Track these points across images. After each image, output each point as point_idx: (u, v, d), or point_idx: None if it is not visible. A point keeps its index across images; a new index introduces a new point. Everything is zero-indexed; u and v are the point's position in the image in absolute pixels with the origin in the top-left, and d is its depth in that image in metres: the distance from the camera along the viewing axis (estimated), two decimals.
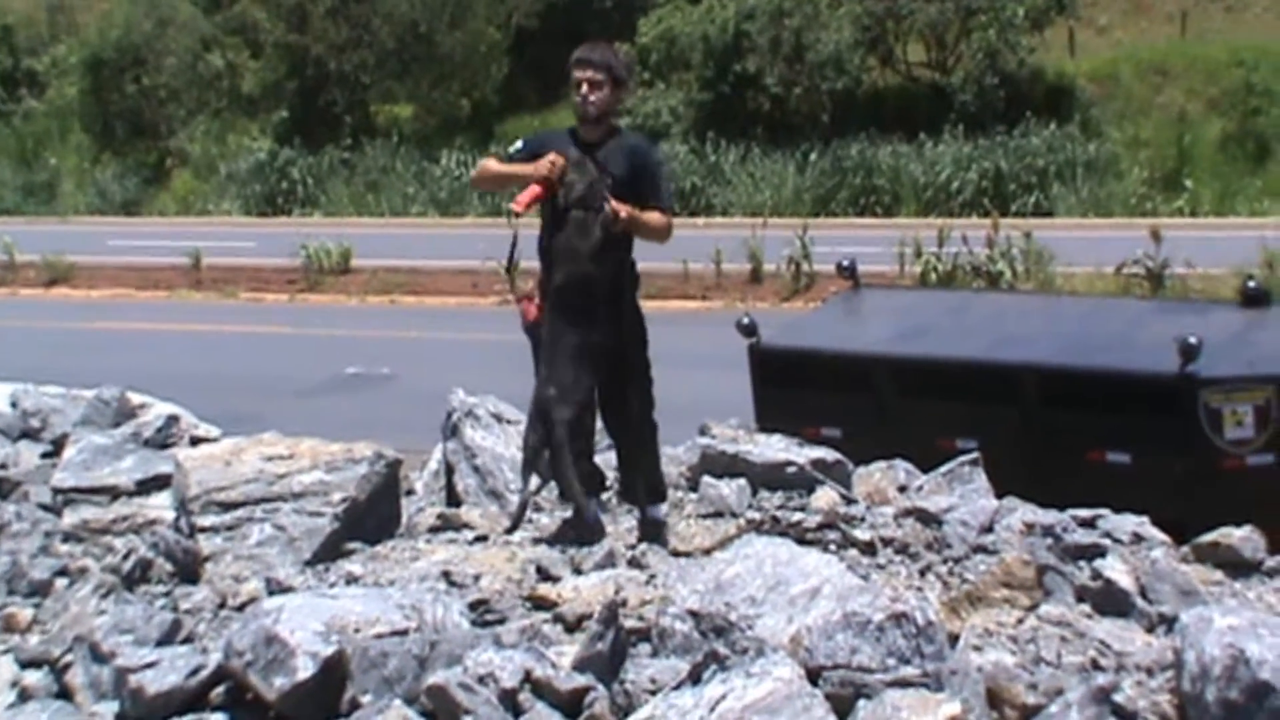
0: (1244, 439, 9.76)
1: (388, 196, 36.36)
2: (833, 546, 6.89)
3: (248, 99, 43.24)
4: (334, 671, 5.29)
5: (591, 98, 7.28)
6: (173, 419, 8.68)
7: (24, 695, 5.70)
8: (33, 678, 5.77)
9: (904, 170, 32.05)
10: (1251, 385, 9.83)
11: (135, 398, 9.07)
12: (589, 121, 7.34)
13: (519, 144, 7.59)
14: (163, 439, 8.42)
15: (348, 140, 38.72)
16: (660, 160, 7.90)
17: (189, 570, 6.79)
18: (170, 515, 7.06)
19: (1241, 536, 7.00)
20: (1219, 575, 6.85)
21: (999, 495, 7.89)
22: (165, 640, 5.85)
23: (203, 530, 7.20)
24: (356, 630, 5.53)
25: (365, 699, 5.26)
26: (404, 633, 5.62)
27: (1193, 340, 9.69)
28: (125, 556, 6.63)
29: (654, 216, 7.27)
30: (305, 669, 5.25)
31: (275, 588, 6.43)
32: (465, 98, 40.25)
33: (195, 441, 8.51)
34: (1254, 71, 32.40)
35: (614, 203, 7.04)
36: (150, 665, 5.48)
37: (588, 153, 7.26)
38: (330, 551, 7.06)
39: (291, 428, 8.47)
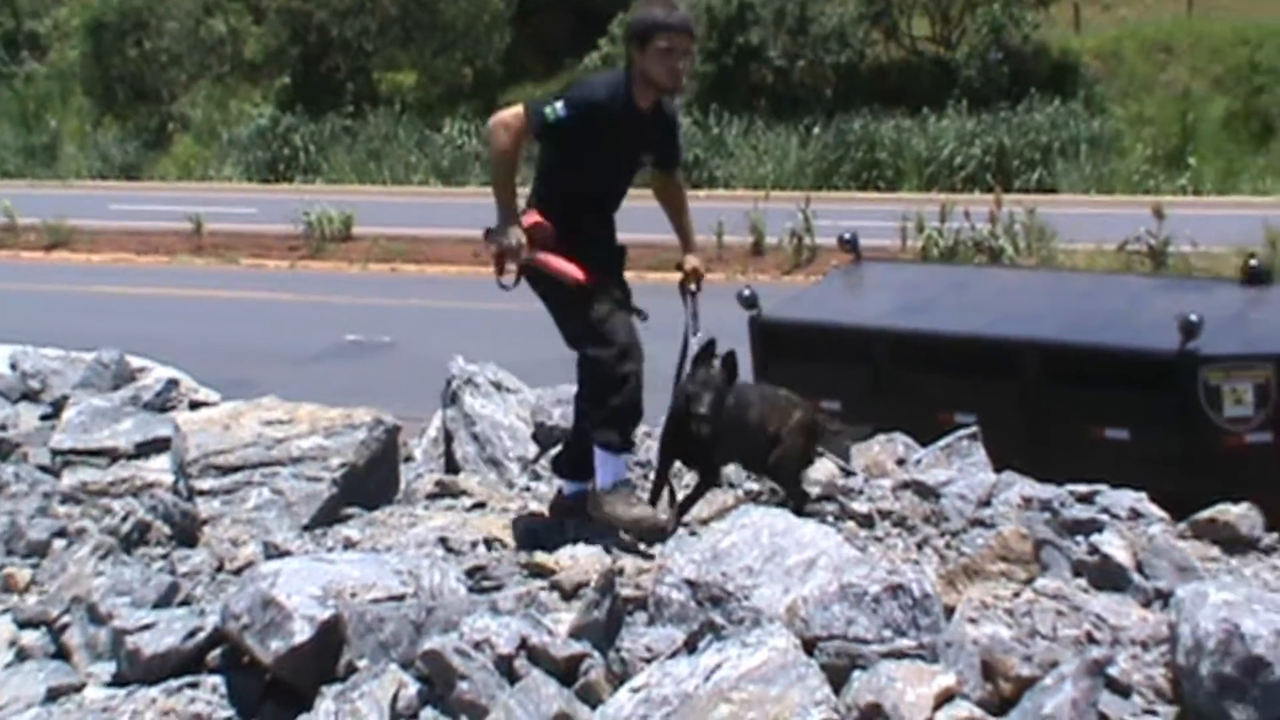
0: (1243, 417, 9.77)
1: (390, 164, 36.35)
2: (830, 518, 6.89)
3: (250, 65, 43.18)
4: (330, 635, 5.30)
5: (686, 68, 6.59)
6: (172, 383, 8.67)
7: (22, 655, 5.71)
8: (30, 638, 5.79)
9: (907, 145, 32.02)
10: (1251, 363, 9.84)
11: (135, 361, 9.06)
12: (665, 92, 6.65)
13: (560, 108, 6.41)
14: (162, 403, 8.42)
15: (350, 107, 38.73)
16: None
17: (187, 533, 6.79)
18: (169, 478, 7.06)
19: (1239, 513, 6.99)
20: (1216, 552, 6.83)
21: (998, 470, 7.89)
22: (162, 602, 5.86)
23: (201, 493, 7.22)
24: (353, 595, 5.54)
25: (361, 663, 5.28)
26: (401, 598, 5.64)
27: (1194, 318, 9.69)
28: (123, 519, 6.63)
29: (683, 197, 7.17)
30: (302, 632, 5.26)
31: (273, 552, 6.44)
32: (468, 66, 40.24)
33: (195, 406, 8.51)
34: (1259, 50, 32.39)
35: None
36: (147, 627, 5.50)
37: (641, 122, 6.62)
38: (328, 516, 7.08)
39: (291, 394, 8.48)
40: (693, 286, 7.12)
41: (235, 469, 7.28)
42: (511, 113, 6.49)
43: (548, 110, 6.41)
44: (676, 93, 6.71)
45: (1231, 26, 33.91)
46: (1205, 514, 7.07)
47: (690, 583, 5.64)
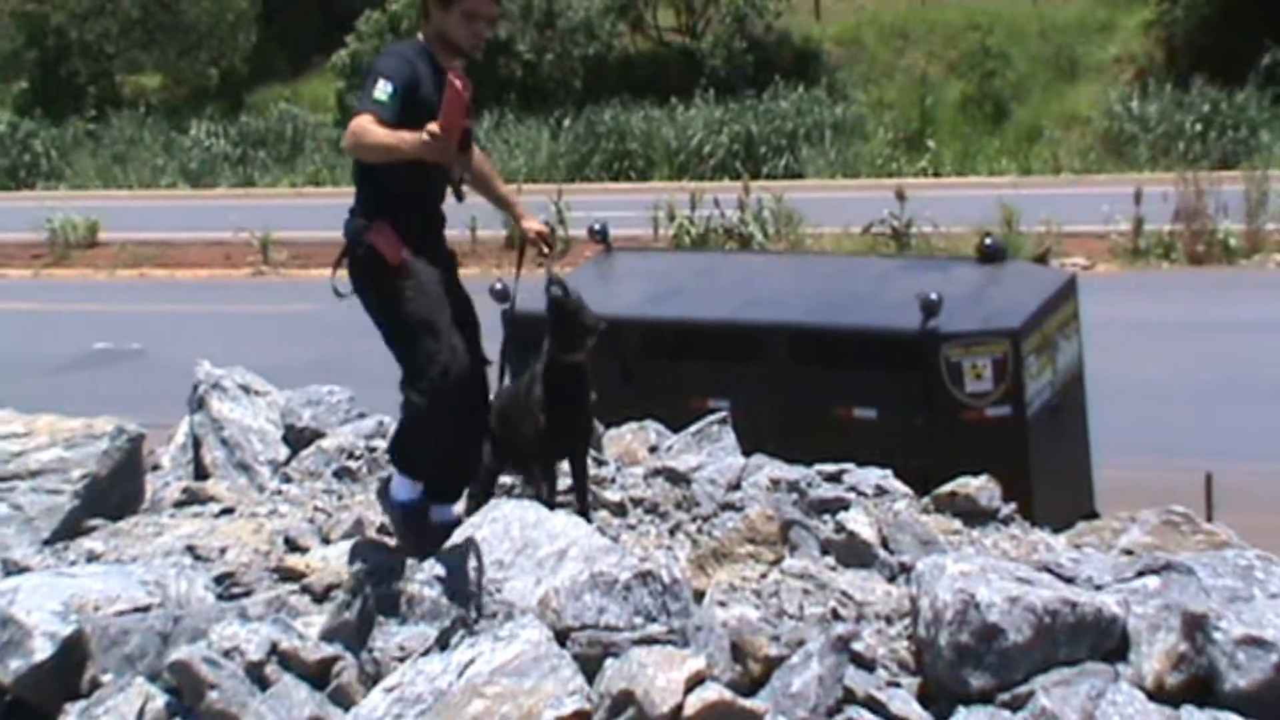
0: (983, 392, 10.02)
1: (136, 168, 35.53)
2: None
3: None
4: (73, 651, 5.20)
5: (487, 35, 6.41)
6: None
7: None
8: None
9: (656, 135, 32.27)
10: (989, 339, 10.09)
11: None
12: (464, 56, 6.35)
13: (388, 88, 5.96)
14: None
15: (93, 111, 37.79)
16: None
17: None
18: None
19: (978, 486, 7.21)
20: (958, 524, 7.04)
21: (750, 454, 7.98)
22: None
23: None
24: (97, 608, 5.44)
25: (106, 678, 5.18)
26: (146, 609, 5.55)
27: (934, 296, 9.90)
28: None
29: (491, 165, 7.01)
30: (42, 650, 5.16)
31: (11, 569, 6.28)
32: (214, 67, 39.54)
33: None
34: (989, 35, 33.30)
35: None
36: None
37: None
38: (70, 529, 6.92)
39: (38, 406, 8.25)
40: (545, 248, 6.97)
41: None
42: (367, 122, 5.92)
43: (379, 95, 5.95)
44: (464, 56, 6.36)
45: (962, 12, 34.83)
46: (946, 488, 7.28)
47: (441, 579, 5.64)
